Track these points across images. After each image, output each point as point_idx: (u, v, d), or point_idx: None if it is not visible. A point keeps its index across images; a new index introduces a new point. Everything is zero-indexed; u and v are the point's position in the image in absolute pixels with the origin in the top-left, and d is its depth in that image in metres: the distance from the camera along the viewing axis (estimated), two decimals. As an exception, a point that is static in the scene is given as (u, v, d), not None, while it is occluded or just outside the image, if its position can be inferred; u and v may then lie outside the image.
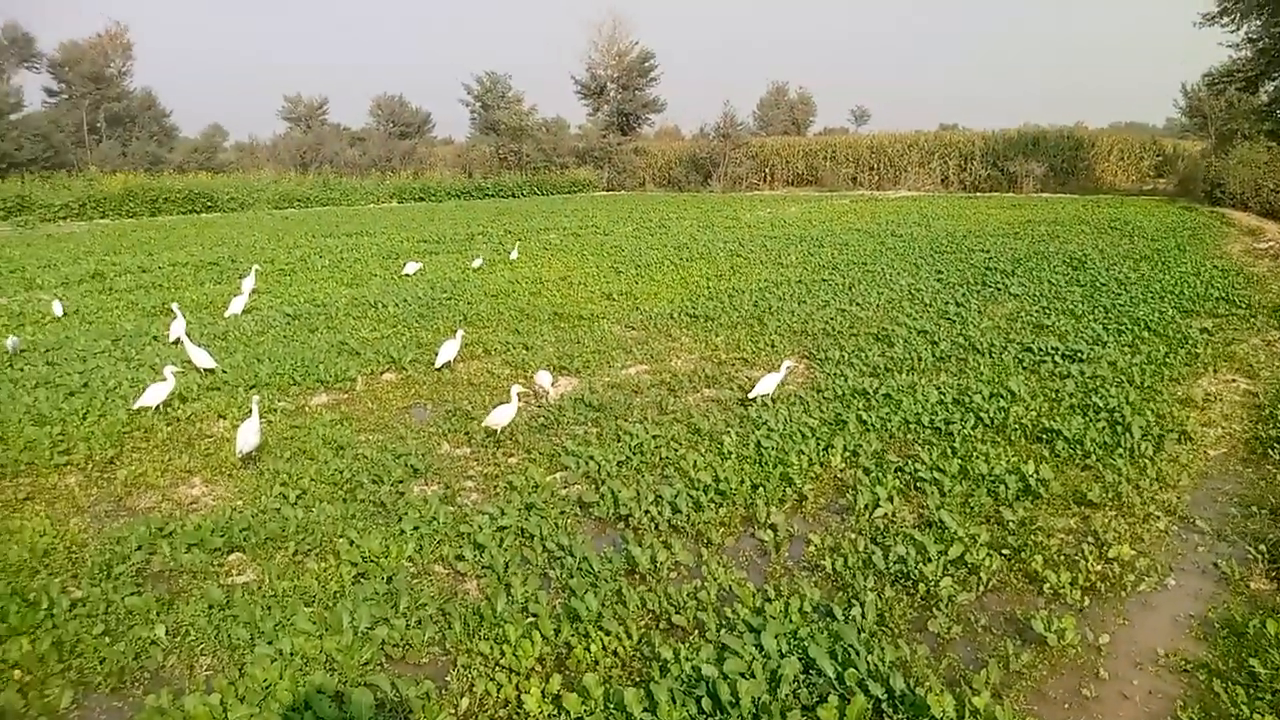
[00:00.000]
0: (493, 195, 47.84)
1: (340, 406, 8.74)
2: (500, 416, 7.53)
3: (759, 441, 7.23)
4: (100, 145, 47.81)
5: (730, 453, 7.03)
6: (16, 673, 4.24)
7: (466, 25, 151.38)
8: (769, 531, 5.76)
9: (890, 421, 7.77)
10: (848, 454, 7.06)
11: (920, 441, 7.35)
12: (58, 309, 13.23)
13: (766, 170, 52.82)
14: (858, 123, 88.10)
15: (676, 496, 6.14)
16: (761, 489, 6.34)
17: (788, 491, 6.38)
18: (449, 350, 9.93)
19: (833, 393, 8.74)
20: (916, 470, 6.60)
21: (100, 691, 4.20)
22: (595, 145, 55.29)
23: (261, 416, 7.28)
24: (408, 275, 17.09)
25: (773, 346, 10.87)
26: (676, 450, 7.21)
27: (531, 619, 4.60)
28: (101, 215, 34.86)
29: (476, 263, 17.89)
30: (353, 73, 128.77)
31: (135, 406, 8.22)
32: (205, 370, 9.44)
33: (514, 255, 19.64)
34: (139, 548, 5.49)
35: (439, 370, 9.93)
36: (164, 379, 8.27)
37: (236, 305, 13.07)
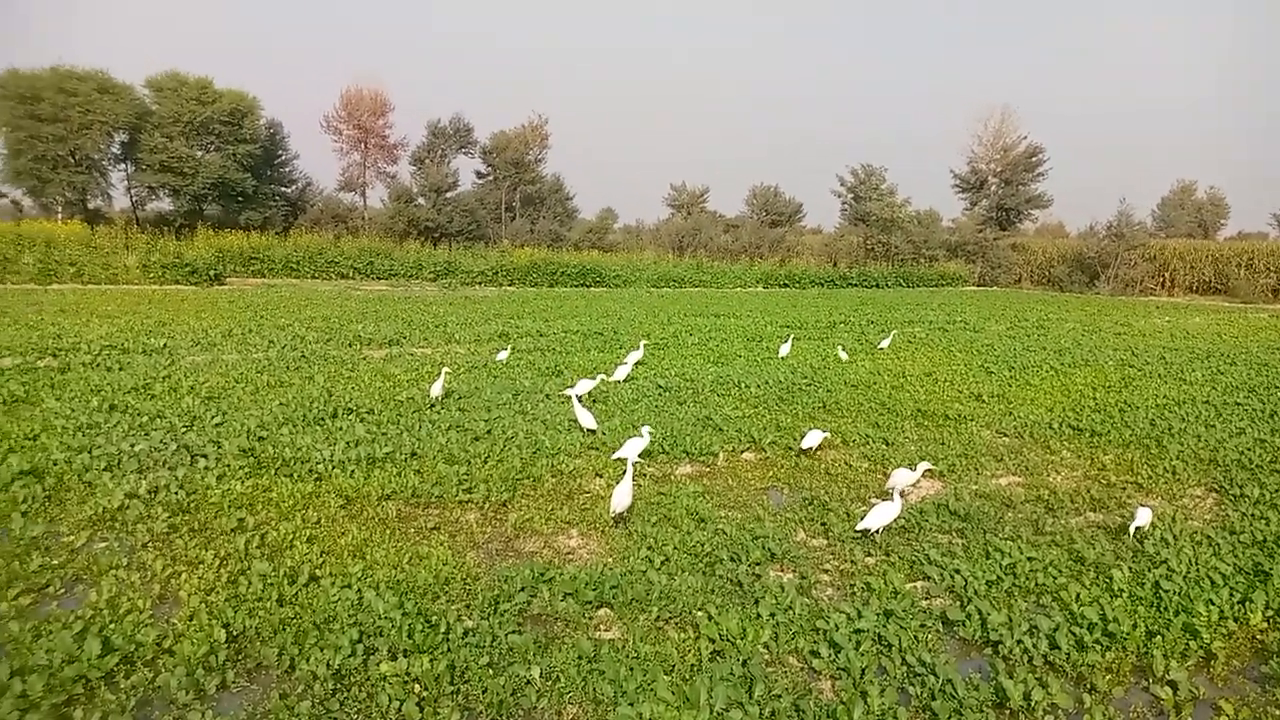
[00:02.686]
0: (856, 285, 47.77)
1: (702, 479, 9.02)
2: (882, 516, 7.29)
3: (1157, 582, 6.39)
4: (513, 221, 54.32)
5: (1121, 590, 6.26)
6: (417, 687, 4.75)
7: (842, 117, 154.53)
8: (1167, 689, 5.02)
9: (1330, 583, 6.50)
10: (1271, 612, 6.01)
11: (1374, 613, 6.06)
12: (501, 356, 15.74)
13: (1165, 275, 47.84)
14: (1281, 228, 77.07)
15: (1055, 630, 5.57)
16: (1159, 637, 5.57)
17: (1191, 645, 5.54)
18: (814, 438, 9.91)
19: (1250, 537, 7.52)
20: (1369, 648, 5.44)
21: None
22: (969, 239, 53.49)
23: (634, 480, 7.69)
24: (783, 357, 17.53)
25: (1174, 474, 9.62)
26: (1055, 577, 6.56)
27: (889, 735, 4.36)
28: (509, 283, 39.65)
29: (843, 355, 17.77)
30: (732, 165, 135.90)
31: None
32: (588, 430, 10.23)
33: (884, 344, 19.43)
34: (522, 589, 5.99)
35: (799, 455, 9.92)
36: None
37: (620, 373, 14.08)
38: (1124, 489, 9.10)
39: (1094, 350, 20.01)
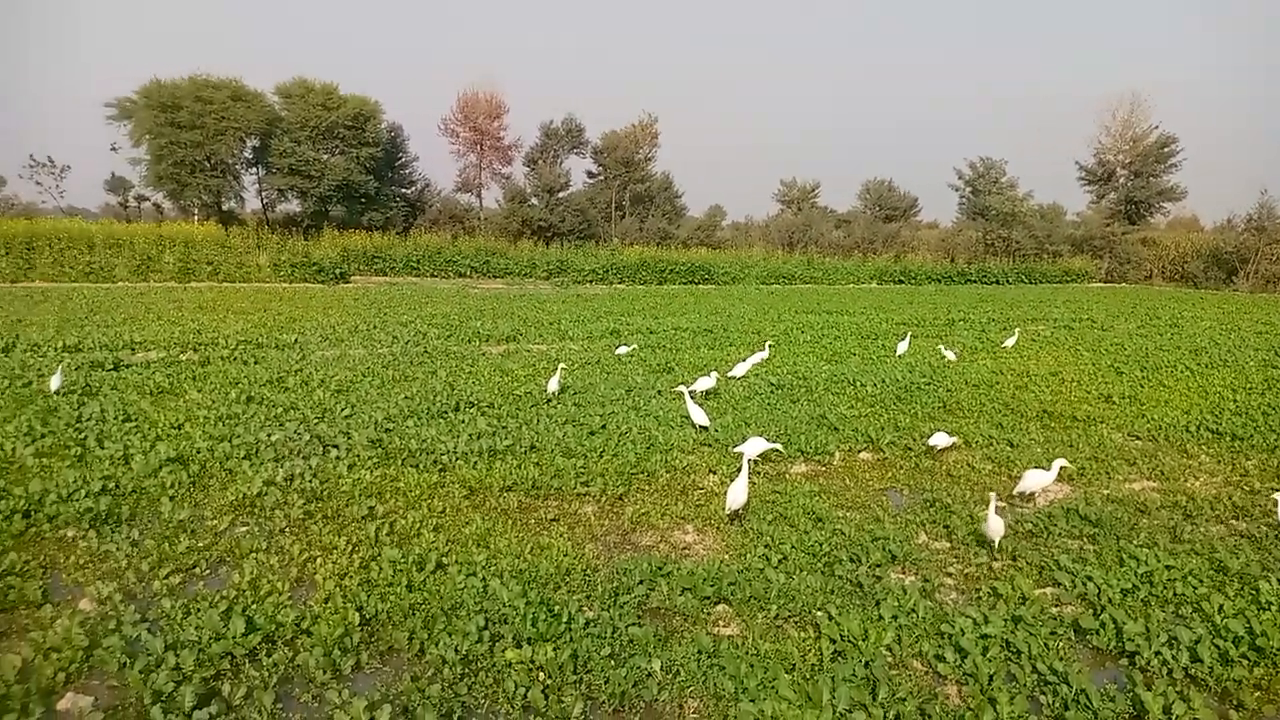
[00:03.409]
0: (975, 281, 46.44)
1: (818, 479, 8.91)
2: (994, 529, 7.01)
3: (1310, 596, 5.99)
4: (623, 220, 54.79)
5: (1269, 603, 5.90)
6: (541, 675, 4.85)
7: (961, 113, 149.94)
8: (1324, 710, 4.71)
9: None
10: None
11: None
12: (622, 351, 16.36)
13: (1312, 270, 44.79)
14: None
15: (1197, 642, 5.29)
16: (1314, 656, 5.23)
17: (1352, 666, 5.19)
18: (941, 439, 9.67)
19: None
20: None
21: (603, 710, 4.64)
22: (1095, 234, 51.36)
23: (750, 477, 7.65)
24: (900, 355, 17.21)
25: (1326, 481, 9.02)
26: (1195, 587, 6.23)
27: (1020, 743, 4.22)
28: (619, 280, 40.08)
29: (949, 355, 17.17)
30: (844, 160, 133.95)
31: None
32: (700, 427, 10.24)
33: (1009, 343, 18.97)
34: (641, 582, 6.05)
35: (922, 455, 9.69)
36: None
37: (739, 370, 14.03)
38: (1269, 496, 8.57)
39: (1233, 350, 18.90)
